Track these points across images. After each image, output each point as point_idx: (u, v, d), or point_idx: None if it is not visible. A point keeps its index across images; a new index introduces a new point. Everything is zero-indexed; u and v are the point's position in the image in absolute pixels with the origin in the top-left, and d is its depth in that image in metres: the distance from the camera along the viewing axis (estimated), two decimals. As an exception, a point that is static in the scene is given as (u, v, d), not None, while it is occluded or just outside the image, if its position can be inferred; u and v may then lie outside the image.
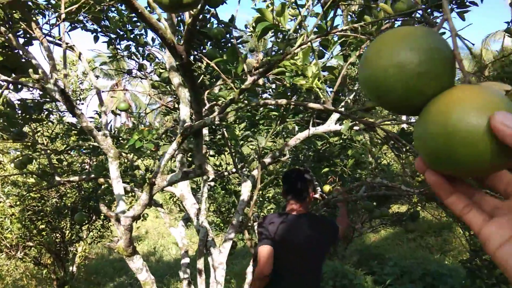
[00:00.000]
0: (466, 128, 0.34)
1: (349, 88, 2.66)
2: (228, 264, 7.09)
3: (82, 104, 5.05)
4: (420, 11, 1.78)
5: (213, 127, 3.40)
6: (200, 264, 2.38)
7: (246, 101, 2.36)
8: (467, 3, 2.18)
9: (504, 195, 0.39)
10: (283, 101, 1.36)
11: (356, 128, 2.51)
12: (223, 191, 4.38)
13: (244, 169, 2.86)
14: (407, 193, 2.93)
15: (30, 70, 1.68)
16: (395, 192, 3.06)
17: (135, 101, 23.43)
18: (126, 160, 4.04)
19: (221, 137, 3.37)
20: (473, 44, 2.45)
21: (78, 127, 2.57)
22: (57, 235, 5.36)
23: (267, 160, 2.57)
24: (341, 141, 2.63)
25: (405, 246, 8.12)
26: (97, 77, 4.40)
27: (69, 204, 4.98)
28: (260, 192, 3.75)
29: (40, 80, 1.63)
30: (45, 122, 3.00)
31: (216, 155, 3.83)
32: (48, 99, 2.33)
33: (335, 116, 2.56)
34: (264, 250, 1.99)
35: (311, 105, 1.33)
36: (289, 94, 2.35)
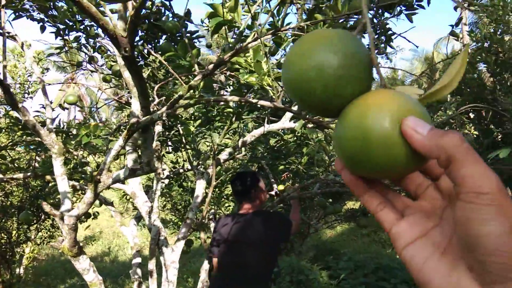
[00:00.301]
0: (380, 132, 0.35)
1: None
2: (185, 263, 7.03)
3: (31, 98, 4.78)
4: (371, 11, 1.83)
5: (169, 123, 3.33)
6: (151, 263, 2.32)
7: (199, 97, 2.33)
8: (415, 6, 2.29)
9: (415, 196, 0.41)
10: (234, 98, 1.35)
11: (309, 126, 2.56)
12: (180, 189, 4.32)
13: (200, 166, 2.82)
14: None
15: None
16: (348, 189, 3.14)
17: (91, 95, 22.54)
18: (76, 157, 3.88)
19: (177, 133, 3.31)
20: (417, 47, 2.56)
21: (22, 121, 2.42)
22: (3, 235, 5.06)
23: (222, 156, 2.55)
24: (295, 138, 2.66)
25: (359, 241, 8.39)
26: (48, 69, 4.18)
27: (15, 203, 4.70)
28: (217, 189, 3.73)
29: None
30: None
31: (173, 151, 3.77)
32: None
33: (289, 114, 2.59)
34: (215, 262, 2.17)
35: (262, 102, 1.33)
36: (244, 91, 2.34)
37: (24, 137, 2.63)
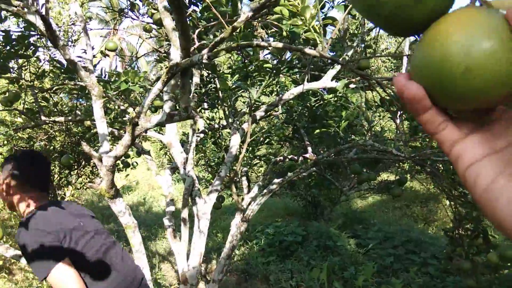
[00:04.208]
0: (483, 47, 0.30)
1: (348, 43, 2.56)
2: (216, 219, 7.24)
3: (74, 46, 4.87)
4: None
5: (206, 79, 3.30)
6: (184, 213, 2.37)
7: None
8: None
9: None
10: (278, 44, 1.27)
11: (352, 86, 2.44)
12: (213, 145, 4.35)
13: (235, 123, 2.80)
14: (398, 158, 2.91)
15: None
16: (386, 157, 3.03)
17: (132, 50, 22.89)
18: (117, 107, 3.95)
19: (213, 89, 3.28)
20: None
21: (64, 65, 2.47)
22: (46, 178, 5.36)
23: (259, 113, 2.51)
24: (335, 99, 2.55)
25: (390, 214, 8.28)
26: (90, 19, 4.21)
27: (58, 148, 4.92)
28: (250, 148, 3.72)
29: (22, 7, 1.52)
30: (32, 60, 2.88)
31: (209, 108, 3.76)
32: (33, 32, 2.20)
33: (331, 72, 2.48)
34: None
35: (307, 50, 1.25)
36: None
37: (66, 81, 2.68)
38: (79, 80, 2.39)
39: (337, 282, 4.41)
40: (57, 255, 1.38)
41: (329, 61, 3.68)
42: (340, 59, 2.54)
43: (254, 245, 5.82)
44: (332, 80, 2.44)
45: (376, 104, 2.99)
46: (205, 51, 1.23)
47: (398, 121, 3.01)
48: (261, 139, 4.04)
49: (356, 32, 2.74)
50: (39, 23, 1.48)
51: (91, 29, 2.33)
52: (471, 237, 3.10)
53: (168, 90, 1.88)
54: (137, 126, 1.47)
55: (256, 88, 2.17)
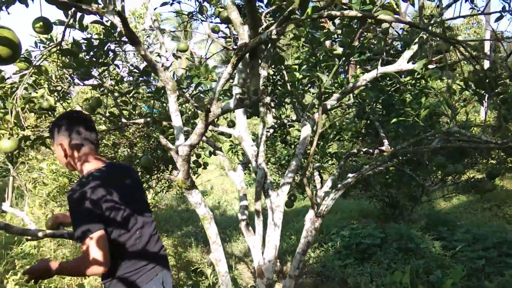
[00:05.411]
0: None
1: (425, 21, 2.36)
2: (289, 221, 7.17)
3: (151, 53, 5.18)
4: None
5: (273, 77, 3.28)
6: (258, 205, 2.36)
7: (308, 37, 2.20)
8: None
9: None
10: (350, 13, 1.20)
11: (431, 66, 2.24)
12: (282, 144, 4.32)
13: (305, 116, 2.74)
14: (488, 146, 2.61)
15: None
16: (474, 145, 2.74)
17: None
18: (189, 111, 4.11)
19: (281, 84, 3.25)
20: None
21: (141, 68, 2.62)
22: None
23: (330, 102, 2.42)
24: (413, 81, 2.36)
25: (479, 215, 7.55)
26: (163, 30, 4.45)
27: (139, 154, 5.26)
28: (321, 142, 3.61)
29: (99, 8, 1.63)
30: (111, 68, 3.11)
31: (276, 107, 3.75)
32: (110, 39, 2.37)
33: (407, 54, 2.31)
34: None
35: (383, 16, 1.16)
36: (355, 28, 2.14)
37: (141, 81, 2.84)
38: (155, 79, 2.52)
39: (421, 286, 4.09)
40: (96, 222, 1.48)
41: (401, 49, 3.45)
42: (416, 39, 2.35)
43: (330, 247, 5.66)
44: (408, 61, 2.28)
45: (460, 87, 2.72)
46: (273, 27, 1.20)
47: (485, 105, 2.71)
48: (331, 136, 3.92)
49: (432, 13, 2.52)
50: (116, 20, 1.58)
51: (164, 32, 2.44)
52: None
53: (237, 78, 1.89)
54: (210, 113, 1.48)
55: (326, 74, 2.09)
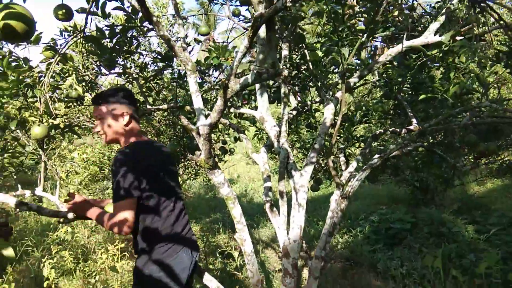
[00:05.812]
0: None
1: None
2: (316, 208, 7.13)
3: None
4: None
5: (295, 60, 3.23)
6: (281, 186, 2.35)
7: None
8: None
9: None
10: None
11: (459, 38, 2.14)
12: (307, 129, 4.26)
13: (328, 95, 2.69)
14: (523, 121, 2.48)
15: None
16: (507, 120, 2.61)
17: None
18: (213, 97, 4.13)
19: (304, 69, 3.20)
20: None
21: (163, 53, 2.65)
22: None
23: (353, 79, 2.36)
24: (441, 54, 2.26)
25: (515, 199, 7.24)
26: (186, 19, 4.47)
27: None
28: (346, 123, 3.54)
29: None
30: (136, 56, 3.16)
31: (299, 91, 3.69)
32: (133, 25, 2.40)
33: (434, 26, 2.21)
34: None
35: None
36: (379, 1, 2.07)
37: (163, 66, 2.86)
38: (175, 61, 2.53)
39: (454, 270, 3.98)
40: (131, 192, 1.60)
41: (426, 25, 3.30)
42: (443, 10, 2.25)
43: (358, 232, 5.59)
44: (435, 34, 2.18)
45: (492, 60, 2.58)
46: (288, -6, 1.17)
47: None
48: (358, 118, 3.83)
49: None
50: (134, 1, 1.59)
51: (186, 17, 2.45)
52: None
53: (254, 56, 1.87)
54: (228, 89, 1.48)
55: (348, 49, 2.03)
